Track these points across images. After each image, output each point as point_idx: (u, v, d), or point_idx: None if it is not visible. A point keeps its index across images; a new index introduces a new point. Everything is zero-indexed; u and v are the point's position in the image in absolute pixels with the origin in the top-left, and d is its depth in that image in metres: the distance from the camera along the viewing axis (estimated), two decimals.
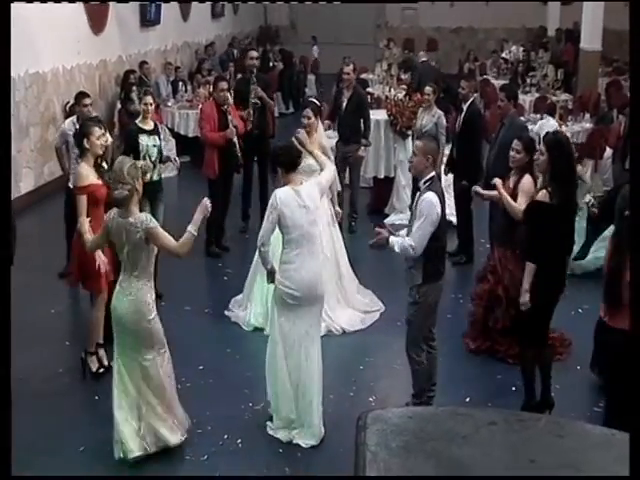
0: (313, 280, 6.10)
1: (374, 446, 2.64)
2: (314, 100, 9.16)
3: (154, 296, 5.81)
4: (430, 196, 5.87)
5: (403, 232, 6.10)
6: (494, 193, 7.22)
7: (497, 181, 7.14)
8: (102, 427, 6.31)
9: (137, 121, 8.65)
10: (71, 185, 7.98)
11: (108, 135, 7.48)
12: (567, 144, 6.43)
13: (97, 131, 6.99)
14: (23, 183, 11.85)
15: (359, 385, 7.03)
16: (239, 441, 6.14)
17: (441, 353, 7.16)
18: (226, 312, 8.32)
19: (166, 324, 7.84)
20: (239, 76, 17.01)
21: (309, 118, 8.28)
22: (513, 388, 6.70)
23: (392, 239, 5.99)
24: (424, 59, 16.00)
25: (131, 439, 5.69)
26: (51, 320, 8.07)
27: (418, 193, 6.15)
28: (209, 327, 8.11)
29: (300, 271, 6.02)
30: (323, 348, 7.68)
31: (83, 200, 6.80)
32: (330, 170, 6.76)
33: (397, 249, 5.91)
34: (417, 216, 5.91)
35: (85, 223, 6.69)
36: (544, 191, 6.08)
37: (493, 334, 7.48)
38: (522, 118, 12.99)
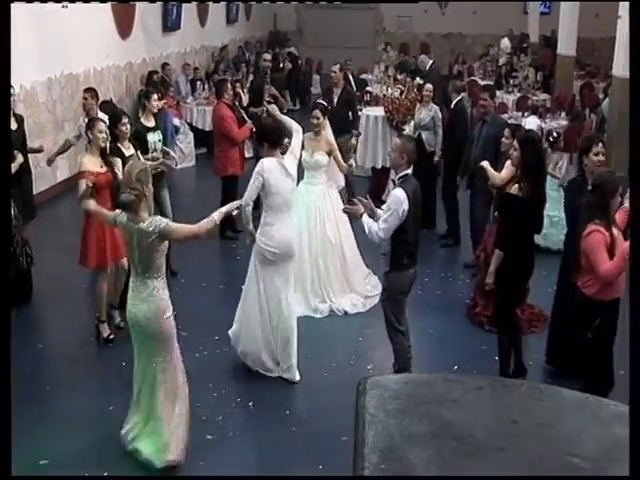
0: (290, 239, 6.48)
1: (373, 409, 2.64)
2: (322, 101, 9.05)
3: (168, 293, 5.27)
4: (399, 192, 5.74)
5: (380, 212, 6.04)
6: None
7: (485, 163, 7.23)
8: (129, 389, 6.34)
9: (142, 119, 8.40)
10: None
11: (128, 125, 7.48)
12: (538, 141, 6.45)
13: (100, 125, 6.96)
14: (59, 172, 11.84)
15: (358, 355, 7.04)
16: (250, 404, 6.17)
17: (431, 326, 7.18)
18: (243, 286, 8.30)
19: (185, 298, 7.90)
20: (251, 76, 17.11)
21: (318, 118, 8.09)
22: (496, 357, 6.70)
23: (365, 218, 5.86)
24: (431, 62, 15.54)
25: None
26: (82, 295, 8.09)
27: (393, 186, 6.08)
28: (224, 301, 8.07)
29: (279, 232, 6.35)
30: (327, 324, 7.74)
31: (81, 184, 6.73)
32: (299, 135, 6.79)
33: (366, 230, 5.82)
34: (385, 209, 5.81)
35: (86, 199, 6.56)
36: (516, 185, 6.05)
37: (476, 297, 7.58)
38: (505, 115, 13.00)
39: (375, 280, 8.36)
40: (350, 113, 10.89)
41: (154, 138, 8.18)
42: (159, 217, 5.07)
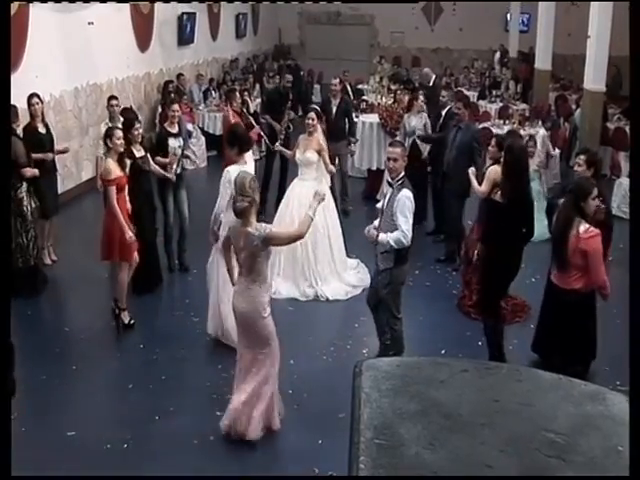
0: None
1: (368, 389, 2.65)
2: (315, 107, 9.14)
3: (269, 296, 5.24)
4: (408, 193, 5.75)
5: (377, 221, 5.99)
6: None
7: (471, 170, 7.30)
8: (147, 369, 6.37)
9: (165, 125, 8.39)
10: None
11: (140, 130, 7.56)
12: (523, 149, 6.38)
13: (118, 133, 6.95)
14: (84, 172, 11.86)
15: (355, 340, 7.04)
16: None
17: (421, 314, 7.19)
18: None
19: (197, 287, 7.90)
20: (257, 86, 17.11)
21: (313, 120, 8.25)
22: (479, 343, 6.71)
23: (382, 236, 5.75)
24: (434, 76, 15.45)
25: None
26: (105, 283, 8.10)
27: (391, 189, 5.95)
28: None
29: None
30: (326, 309, 7.74)
31: (112, 190, 6.76)
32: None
33: (392, 243, 5.70)
34: (400, 211, 5.72)
35: (116, 206, 6.73)
36: (498, 191, 6.08)
37: (463, 287, 7.62)
38: (488, 123, 12.98)
39: (365, 272, 8.35)
40: (347, 121, 10.83)
41: (175, 144, 8.22)
42: (264, 224, 4.97)
